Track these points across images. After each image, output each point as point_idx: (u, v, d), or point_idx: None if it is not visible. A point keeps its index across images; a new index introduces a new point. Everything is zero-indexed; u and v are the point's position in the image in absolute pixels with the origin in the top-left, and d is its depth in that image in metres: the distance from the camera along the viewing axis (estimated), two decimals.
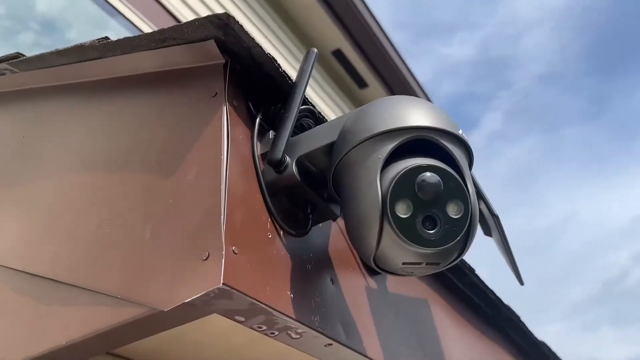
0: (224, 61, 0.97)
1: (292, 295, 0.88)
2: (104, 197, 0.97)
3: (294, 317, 0.86)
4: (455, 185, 0.82)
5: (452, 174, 0.82)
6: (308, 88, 4.04)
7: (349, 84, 5.94)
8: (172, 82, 1.02)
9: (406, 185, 0.81)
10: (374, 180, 0.82)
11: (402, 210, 0.80)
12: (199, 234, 0.80)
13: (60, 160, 1.11)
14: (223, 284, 0.74)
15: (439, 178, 0.81)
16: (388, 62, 5.82)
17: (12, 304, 0.99)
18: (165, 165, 0.91)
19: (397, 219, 0.80)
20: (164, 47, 1.01)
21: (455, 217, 0.81)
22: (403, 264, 0.83)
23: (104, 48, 1.08)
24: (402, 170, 0.81)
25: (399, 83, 6.03)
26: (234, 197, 0.83)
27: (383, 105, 0.89)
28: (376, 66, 5.83)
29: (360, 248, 0.85)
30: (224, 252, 0.76)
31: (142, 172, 0.95)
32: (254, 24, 4.65)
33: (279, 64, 0.97)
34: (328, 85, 5.66)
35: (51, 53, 1.17)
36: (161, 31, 0.97)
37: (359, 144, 0.87)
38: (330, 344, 0.96)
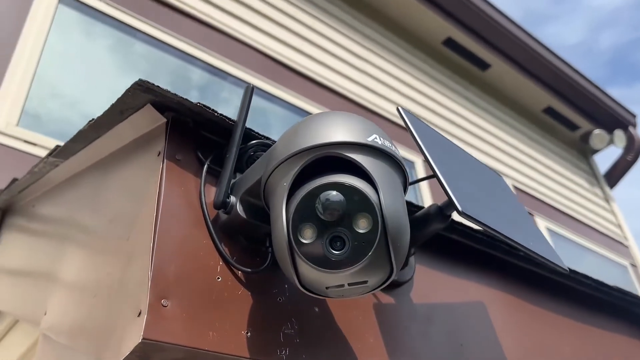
0: (165, 120, 1.02)
1: (248, 334, 0.89)
2: (97, 265, 1.08)
3: (247, 356, 0.87)
4: (361, 198, 0.77)
5: (355, 187, 0.77)
6: (427, 88, 4.05)
7: (470, 69, 5.67)
8: (138, 149, 1.11)
9: (308, 209, 0.78)
10: (280, 210, 0.81)
11: (308, 235, 0.78)
12: (136, 293, 0.86)
13: (81, 236, 1.25)
14: (144, 338, 0.78)
15: (339, 195, 0.77)
16: (506, 36, 5.46)
17: None
18: (126, 231, 0.99)
19: (301, 246, 0.78)
20: (125, 118, 1.10)
21: (364, 231, 0.76)
22: (327, 287, 0.80)
23: (93, 128, 1.20)
24: (301, 196, 0.78)
25: (522, 53, 5.61)
26: (165, 251, 0.87)
27: (292, 130, 0.88)
28: (494, 43, 5.49)
29: (288, 277, 0.83)
30: (147, 308, 0.81)
31: (115, 238, 1.03)
32: (359, 43, 4.69)
33: (213, 110, 1.00)
34: (447, 77, 5.46)
35: (69, 141, 1.33)
36: (114, 105, 1.06)
37: (272, 172, 0.86)
38: None
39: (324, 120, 0.85)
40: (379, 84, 4.66)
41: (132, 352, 0.80)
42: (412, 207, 1.24)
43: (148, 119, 1.06)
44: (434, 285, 1.28)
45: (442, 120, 5.04)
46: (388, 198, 0.78)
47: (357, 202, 0.77)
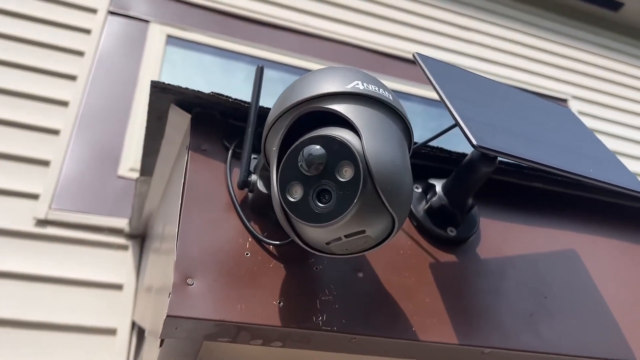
0: (190, 116, 1.08)
1: (281, 304, 0.90)
2: (159, 268, 1.16)
3: (279, 324, 0.87)
4: (340, 146, 0.74)
5: (332, 137, 0.75)
6: (559, 47, 3.72)
7: (599, 13, 5.12)
8: (182, 149, 1.17)
9: (293, 168, 0.77)
10: (273, 174, 0.81)
11: (297, 193, 0.77)
12: (170, 280, 0.91)
13: (159, 246, 1.35)
14: (168, 315, 0.82)
15: (320, 148, 0.75)
16: None
17: None
18: (170, 228, 1.06)
19: (290, 205, 0.77)
20: (165, 123, 1.17)
21: (346, 179, 0.73)
22: (327, 243, 0.77)
23: (148, 139, 1.30)
24: (284, 157, 0.78)
25: None
26: (190, 235, 0.92)
27: (279, 96, 0.87)
28: None
29: (294, 239, 0.82)
30: (171, 287, 0.85)
31: (166, 239, 1.10)
32: (462, 14, 4.50)
33: (227, 96, 1.03)
34: (575, 28, 4.99)
35: (142, 156, 1.45)
36: (149, 112, 1.14)
37: (265, 142, 0.87)
38: (354, 339, 0.92)
39: (304, 79, 0.84)
40: (500, 54, 4.39)
41: (163, 331, 0.85)
42: (462, 157, 1.16)
43: (181, 120, 1.12)
44: (507, 237, 1.17)
45: (578, 76, 4.61)
46: (372, 142, 0.75)
47: (337, 151, 0.75)
